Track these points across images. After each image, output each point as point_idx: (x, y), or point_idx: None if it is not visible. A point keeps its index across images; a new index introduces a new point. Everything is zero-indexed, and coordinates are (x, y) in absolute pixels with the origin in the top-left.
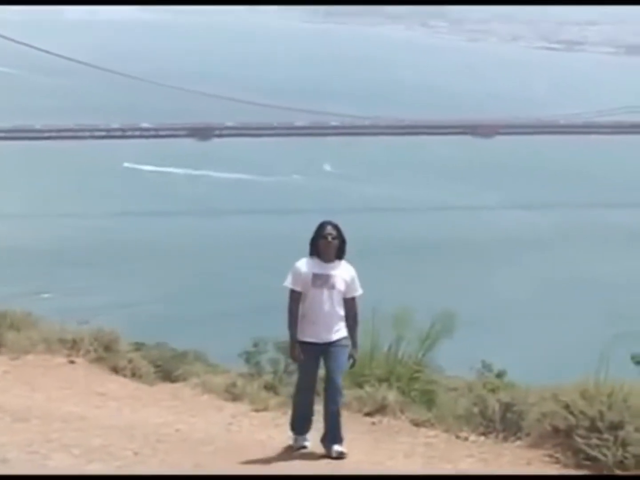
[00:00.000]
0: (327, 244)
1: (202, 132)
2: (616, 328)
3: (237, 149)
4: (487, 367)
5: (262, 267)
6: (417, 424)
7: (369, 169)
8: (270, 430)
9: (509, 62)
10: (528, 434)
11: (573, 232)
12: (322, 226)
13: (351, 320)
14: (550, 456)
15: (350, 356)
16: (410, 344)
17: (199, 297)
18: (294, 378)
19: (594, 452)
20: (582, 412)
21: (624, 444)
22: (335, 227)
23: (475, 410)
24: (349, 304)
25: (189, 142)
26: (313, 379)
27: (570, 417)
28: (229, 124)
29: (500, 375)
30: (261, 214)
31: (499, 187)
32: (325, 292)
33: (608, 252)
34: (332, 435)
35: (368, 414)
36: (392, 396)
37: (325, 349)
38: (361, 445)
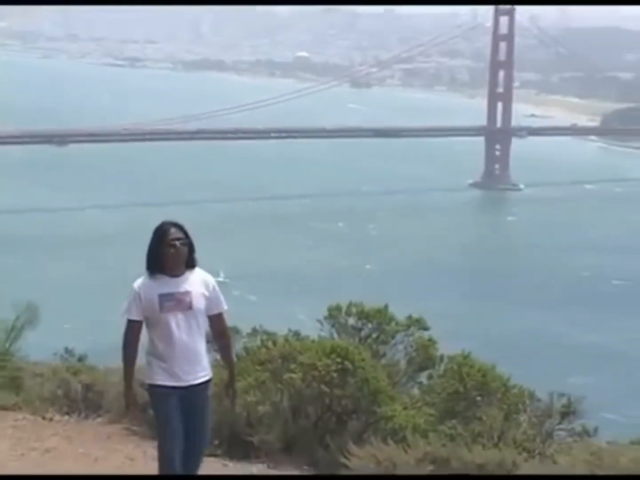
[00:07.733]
0: (175, 254)
1: None
2: None
3: None
4: (69, 352)
5: None
6: (5, 408)
7: None
8: None
9: (80, 77)
10: (108, 411)
11: (139, 228)
12: (163, 230)
13: (222, 342)
14: (128, 429)
15: (229, 389)
16: None
17: None
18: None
19: None
20: None
21: None
22: (181, 228)
23: (60, 392)
24: (215, 322)
25: None
26: (178, 434)
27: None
28: None
29: (81, 359)
30: None
31: (76, 189)
32: (181, 316)
33: None
34: None
35: None
36: None
37: (187, 396)
38: None
